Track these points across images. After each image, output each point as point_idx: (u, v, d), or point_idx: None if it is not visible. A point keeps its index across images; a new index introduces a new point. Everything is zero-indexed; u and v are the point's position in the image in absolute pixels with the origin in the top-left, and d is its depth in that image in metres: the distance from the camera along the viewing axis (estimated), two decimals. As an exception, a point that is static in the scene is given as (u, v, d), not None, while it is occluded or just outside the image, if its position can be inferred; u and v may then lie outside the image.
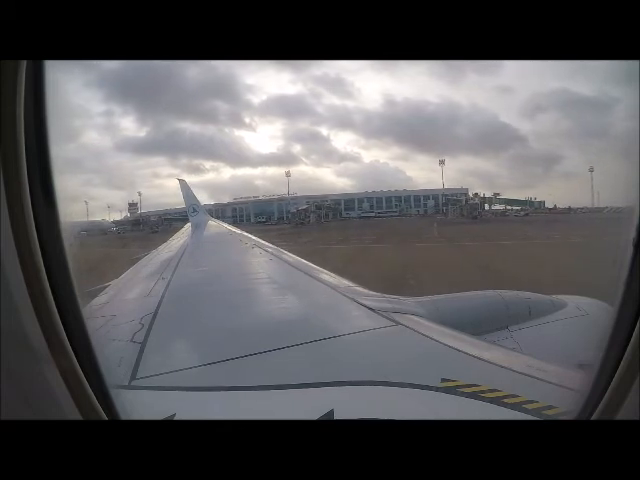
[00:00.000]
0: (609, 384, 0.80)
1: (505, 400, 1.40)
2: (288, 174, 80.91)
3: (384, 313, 2.46)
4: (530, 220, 46.23)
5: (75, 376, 0.81)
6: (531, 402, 1.37)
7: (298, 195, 78.03)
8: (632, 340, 0.76)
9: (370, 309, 2.56)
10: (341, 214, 75.86)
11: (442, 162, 77.91)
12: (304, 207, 66.37)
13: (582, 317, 3.24)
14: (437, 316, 2.75)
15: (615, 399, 0.80)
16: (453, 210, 63.69)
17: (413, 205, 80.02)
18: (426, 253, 19.13)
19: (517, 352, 2.57)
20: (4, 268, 0.71)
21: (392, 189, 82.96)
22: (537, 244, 21.70)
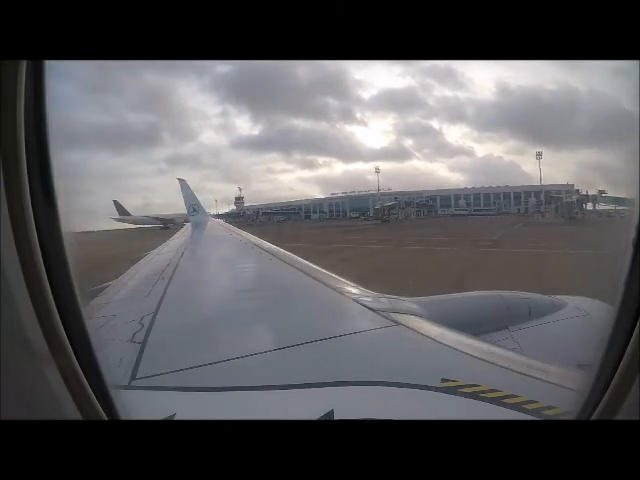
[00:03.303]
0: (609, 384, 0.80)
1: (505, 400, 1.40)
2: (377, 170, 77.31)
3: (384, 313, 2.46)
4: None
5: (75, 376, 0.81)
6: (531, 402, 1.37)
7: (395, 191, 74.18)
8: (632, 340, 0.76)
9: (370, 309, 2.56)
10: (436, 211, 72.16)
11: (539, 154, 67.38)
12: (390, 203, 63.82)
13: (582, 317, 3.25)
14: (437, 316, 2.75)
15: (615, 399, 0.80)
16: (549, 209, 55.38)
17: (513, 203, 71.88)
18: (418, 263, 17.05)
19: (517, 352, 2.57)
20: (4, 268, 0.71)
21: (501, 185, 75.60)
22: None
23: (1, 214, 0.71)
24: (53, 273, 0.78)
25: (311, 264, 4.52)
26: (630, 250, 0.76)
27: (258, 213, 69.58)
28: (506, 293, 3.41)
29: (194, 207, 14.57)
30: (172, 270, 4.49)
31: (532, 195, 67.72)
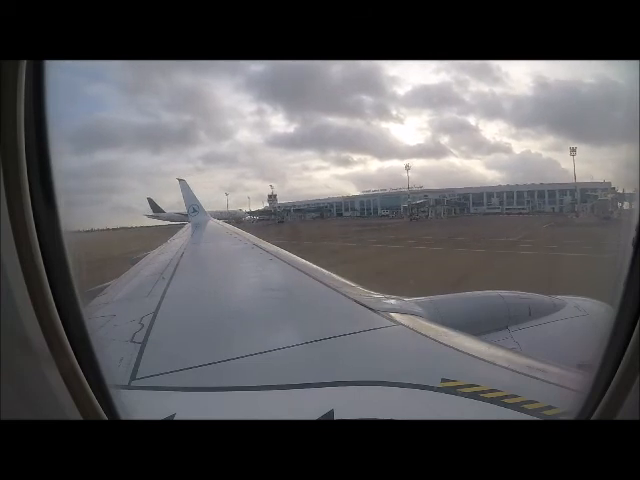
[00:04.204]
0: (609, 384, 0.80)
1: (505, 400, 1.40)
2: (408, 167, 75.73)
3: (384, 313, 2.46)
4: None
5: (75, 376, 0.81)
6: (531, 402, 1.37)
7: (426, 189, 71.93)
8: (632, 340, 0.76)
9: (370, 309, 2.56)
10: (468, 210, 69.94)
11: (573, 151, 62.73)
12: (419, 202, 62.11)
13: (582, 317, 3.25)
14: (437, 316, 2.74)
15: (615, 399, 0.80)
16: (584, 208, 51.42)
17: (547, 201, 68.22)
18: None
19: (517, 352, 2.57)
20: (4, 268, 0.71)
21: (536, 182, 71.95)
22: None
23: (1, 214, 0.71)
24: (53, 273, 0.78)
25: (309, 263, 4.53)
26: (630, 250, 0.76)
27: (289, 211, 69.61)
28: (506, 293, 3.41)
29: (194, 207, 14.61)
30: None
31: (567, 193, 64.33)
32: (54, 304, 0.78)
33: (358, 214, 79.03)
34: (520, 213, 61.91)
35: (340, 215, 79.36)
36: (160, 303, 3.04)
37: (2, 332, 0.71)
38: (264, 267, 4.73)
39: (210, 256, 6.65)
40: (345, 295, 3.01)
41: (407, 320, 2.40)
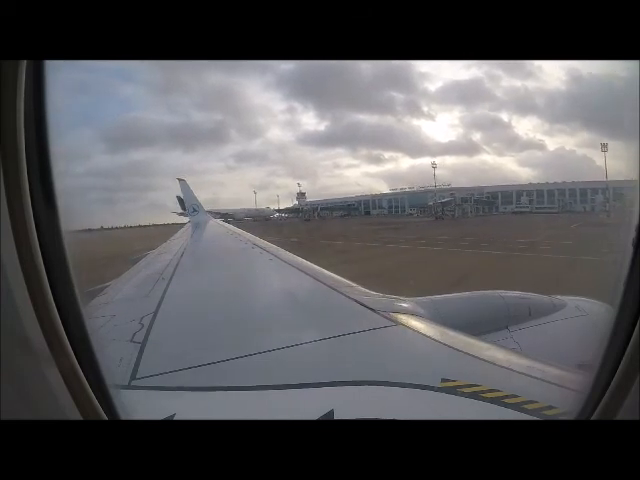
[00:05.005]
0: (609, 384, 0.80)
1: (505, 400, 1.40)
2: (434, 164, 74.29)
3: (384, 313, 2.46)
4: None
5: (75, 376, 0.81)
6: (531, 402, 1.37)
7: (453, 187, 69.76)
8: (632, 340, 0.76)
9: (370, 309, 2.56)
10: (497, 208, 68.18)
11: (604, 147, 57.74)
12: (445, 200, 60.98)
13: (582, 317, 3.25)
14: (437, 316, 2.74)
15: (615, 399, 0.80)
16: (615, 207, 46.77)
17: (579, 200, 65.02)
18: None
19: (517, 352, 2.57)
20: (4, 268, 0.71)
21: (568, 180, 68.91)
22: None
23: (1, 214, 0.71)
24: (53, 273, 0.78)
25: (310, 263, 4.52)
26: (630, 250, 0.76)
27: (316, 209, 69.69)
28: (506, 293, 3.41)
29: (194, 207, 14.65)
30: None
31: (599, 192, 59.83)
32: (54, 304, 0.78)
33: (385, 212, 78.43)
34: (549, 212, 60.13)
35: (367, 213, 78.76)
36: (160, 303, 3.04)
37: (2, 332, 0.71)
38: (264, 267, 4.73)
39: (210, 256, 6.66)
40: (345, 295, 3.01)
41: (407, 320, 2.40)
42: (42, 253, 0.77)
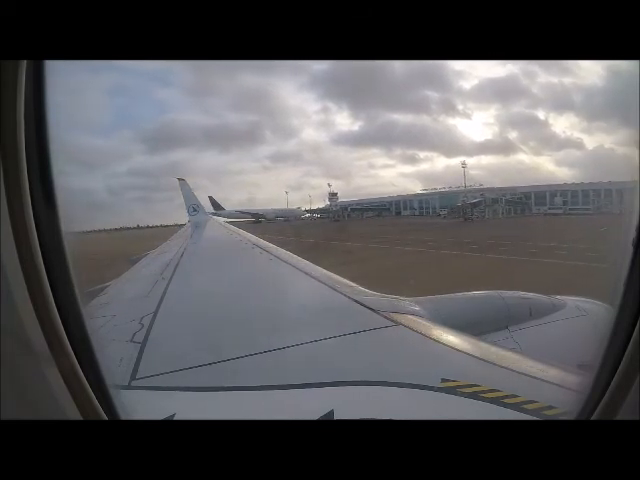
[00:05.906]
0: (609, 384, 0.80)
1: (505, 400, 1.40)
2: (464, 164, 71.58)
3: (384, 313, 2.46)
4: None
5: (75, 376, 0.81)
6: (531, 402, 1.37)
7: (485, 187, 66.90)
8: (632, 340, 0.76)
9: (370, 309, 2.56)
10: (530, 209, 65.77)
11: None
12: (474, 201, 59.06)
13: (582, 317, 3.25)
14: (437, 316, 2.74)
15: (615, 399, 0.80)
16: None
17: (615, 201, 63.81)
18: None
19: (517, 352, 2.57)
20: (4, 268, 0.71)
21: (604, 180, 63.31)
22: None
23: (1, 214, 0.71)
24: (53, 273, 0.78)
25: (311, 264, 4.52)
26: (630, 250, 0.76)
27: (345, 209, 69.73)
28: (506, 293, 3.41)
29: (194, 207, 14.67)
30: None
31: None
32: (54, 304, 0.78)
33: (417, 213, 76.34)
34: (584, 214, 57.09)
35: (398, 214, 77.16)
36: (160, 303, 3.05)
37: (2, 332, 0.71)
38: (264, 267, 4.73)
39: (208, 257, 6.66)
40: (345, 295, 3.01)
41: (407, 320, 2.40)
42: (42, 253, 0.77)
